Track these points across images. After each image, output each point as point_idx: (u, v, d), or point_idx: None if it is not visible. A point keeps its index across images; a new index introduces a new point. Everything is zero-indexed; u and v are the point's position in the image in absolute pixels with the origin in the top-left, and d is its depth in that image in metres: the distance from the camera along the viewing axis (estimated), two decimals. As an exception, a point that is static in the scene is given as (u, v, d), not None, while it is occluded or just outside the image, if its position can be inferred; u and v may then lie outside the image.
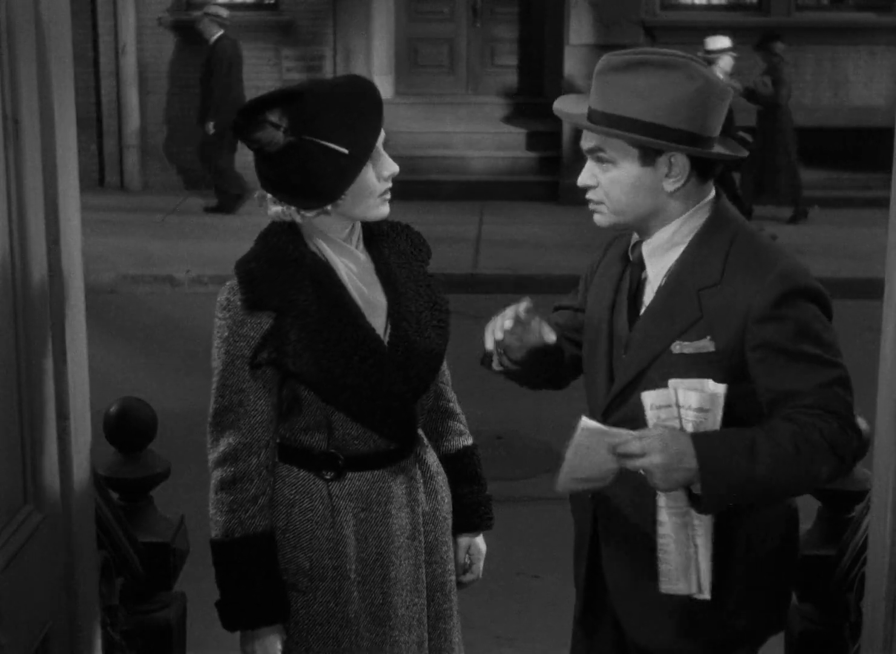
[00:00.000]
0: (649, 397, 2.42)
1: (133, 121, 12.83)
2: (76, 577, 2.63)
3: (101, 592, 2.92)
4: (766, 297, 2.45)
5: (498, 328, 2.53)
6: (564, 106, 2.62)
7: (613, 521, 2.62)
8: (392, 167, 2.61)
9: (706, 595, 2.46)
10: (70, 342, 2.57)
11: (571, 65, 12.51)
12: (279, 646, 2.65)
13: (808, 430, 2.37)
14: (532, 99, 12.83)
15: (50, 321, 2.50)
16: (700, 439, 2.35)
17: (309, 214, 2.59)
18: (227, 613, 2.67)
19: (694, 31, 12.74)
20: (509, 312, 2.52)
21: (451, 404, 2.89)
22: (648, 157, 2.48)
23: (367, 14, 12.77)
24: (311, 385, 2.58)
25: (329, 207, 2.58)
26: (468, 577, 2.94)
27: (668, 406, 2.41)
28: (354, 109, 2.54)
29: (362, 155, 2.54)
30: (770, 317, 2.44)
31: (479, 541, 2.94)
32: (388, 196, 2.63)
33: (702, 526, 2.45)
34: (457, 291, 9.74)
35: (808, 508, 3.48)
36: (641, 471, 2.36)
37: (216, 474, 2.63)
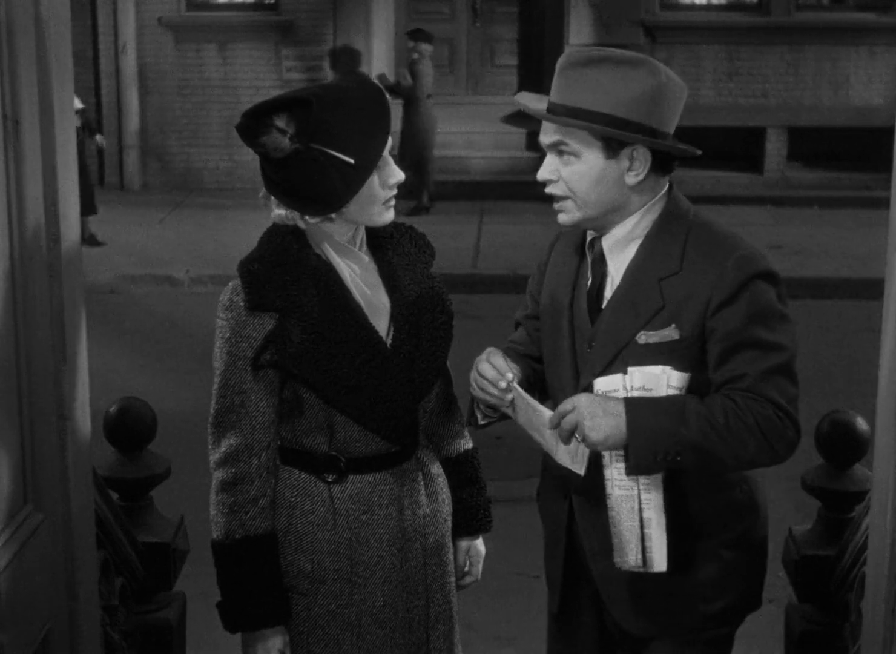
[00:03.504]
0: (599, 383, 2.51)
1: (133, 121, 12.83)
2: (76, 577, 2.63)
3: (101, 592, 2.92)
4: (726, 282, 2.49)
5: (485, 383, 2.57)
6: (526, 100, 2.64)
7: (593, 512, 2.63)
8: (398, 175, 2.59)
9: (659, 568, 2.51)
10: (70, 342, 2.57)
11: (571, 65, 12.51)
12: (281, 648, 2.65)
13: (743, 409, 2.44)
14: (532, 99, 12.82)
15: (50, 321, 2.50)
16: (631, 398, 2.45)
17: (313, 221, 2.58)
18: (228, 614, 2.67)
19: (694, 31, 12.77)
20: (489, 380, 2.56)
21: (453, 407, 2.89)
22: (612, 149, 2.51)
23: (367, 14, 12.77)
24: (313, 387, 2.58)
25: (333, 215, 2.58)
26: (467, 579, 2.94)
27: (616, 391, 2.49)
28: (362, 118, 2.52)
29: (369, 165, 2.52)
30: (729, 302, 2.49)
31: (479, 544, 2.94)
32: (393, 202, 2.62)
33: (652, 500, 2.50)
34: (457, 291, 9.74)
35: (808, 508, 3.48)
36: (576, 436, 2.44)
37: (217, 476, 2.63)
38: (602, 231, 2.60)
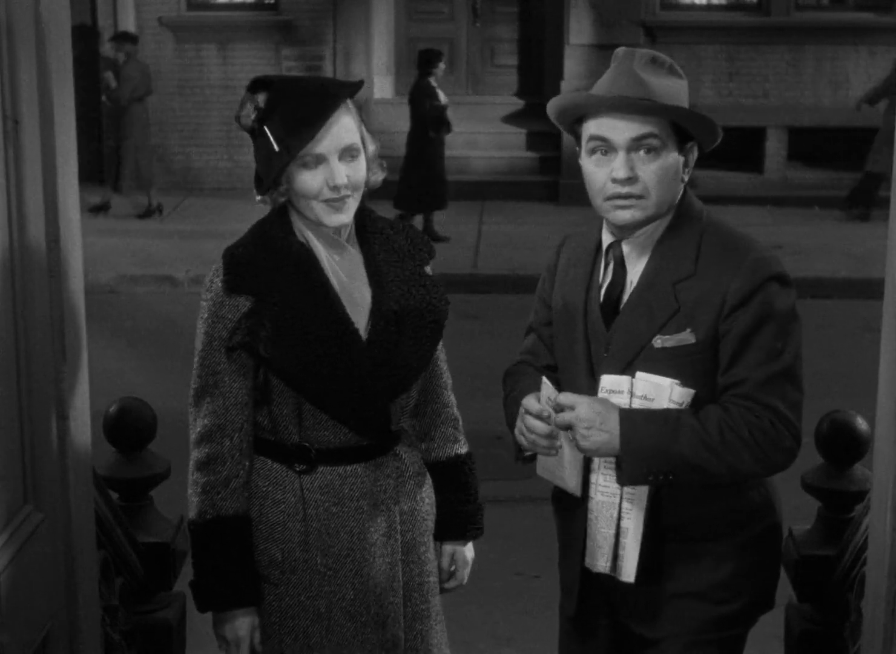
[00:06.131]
0: (606, 380, 2.54)
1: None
2: (76, 577, 2.63)
3: (101, 592, 2.92)
4: (740, 285, 2.50)
5: (536, 436, 2.58)
6: (591, 95, 2.61)
7: None
8: (338, 179, 2.59)
9: (627, 578, 2.56)
10: (70, 342, 2.57)
11: (571, 65, 12.50)
12: (250, 629, 2.69)
13: (737, 422, 2.46)
14: (532, 99, 12.83)
15: (50, 321, 2.50)
16: (627, 412, 2.47)
17: (257, 198, 2.67)
18: (199, 593, 2.73)
19: (694, 31, 12.76)
20: (539, 425, 2.57)
21: (448, 409, 2.89)
22: (681, 145, 2.55)
23: (367, 14, 12.76)
24: (280, 372, 2.61)
25: (268, 197, 2.64)
26: (451, 583, 2.94)
27: (621, 392, 2.51)
28: (300, 110, 2.57)
29: (288, 155, 2.56)
30: (742, 304, 2.50)
31: (465, 549, 2.94)
32: (337, 205, 2.61)
33: (632, 510, 2.53)
34: (457, 291, 9.75)
35: (808, 508, 3.48)
36: (569, 433, 2.48)
37: (193, 455, 2.71)
38: (629, 234, 2.59)
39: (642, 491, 2.52)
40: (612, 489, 2.53)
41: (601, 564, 2.57)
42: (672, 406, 2.48)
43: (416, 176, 10.83)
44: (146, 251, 10.59)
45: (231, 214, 11.47)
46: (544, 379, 2.57)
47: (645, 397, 2.49)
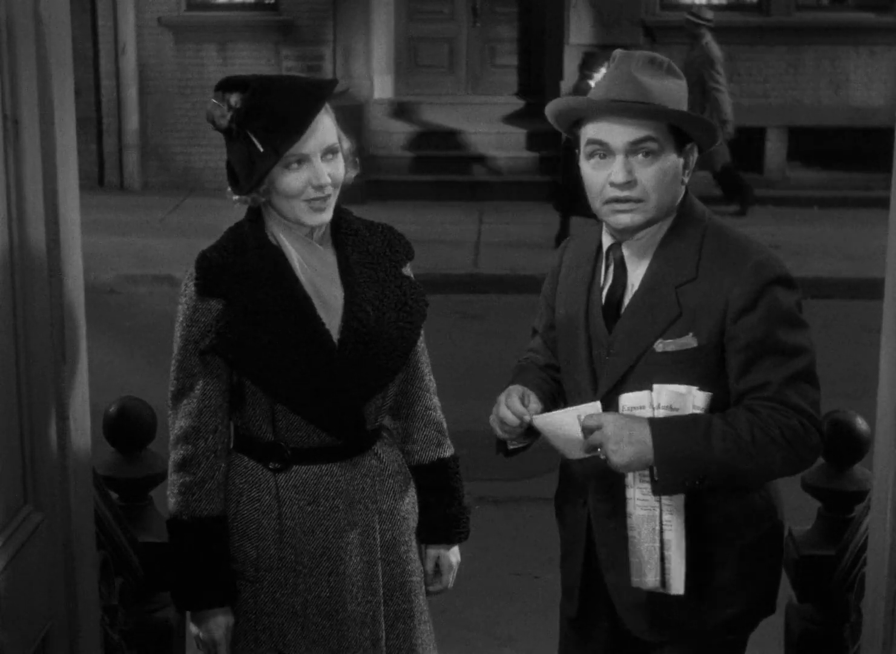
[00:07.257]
0: (626, 399, 2.51)
1: (133, 121, 12.82)
2: (76, 577, 2.63)
3: (101, 592, 2.92)
4: (743, 289, 2.49)
5: (508, 428, 2.59)
6: (588, 99, 2.60)
7: (608, 522, 2.63)
8: (322, 179, 2.59)
9: (676, 591, 2.52)
10: (70, 342, 2.57)
11: (571, 65, 12.50)
12: (225, 630, 2.70)
13: (767, 422, 2.44)
14: (532, 99, 12.82)
15: (50, 321, 2.50)
16: (657, 421, 2.45)
17: (234, 198, 2.66)
18: (176, 592, 2.75)
19: (694, 32, 12.74)
20: (509, 414, 2.58)
21: (431, 412, 2.88)
22: (680, 147, 2.53)
23: (366, 14, 12.76)
24: (251, 375, 2.63)
25: (247, 198, 2.63)
26: (435, 587, 2.94)
27: (642, 408, 2.48)
28: (284, 111, 2.57)
29: (273, 155, 2.56)
30: (748, 309, 2.49)
31: (450, 553, 2.93)
32: (319, 205, 2.61)
33: (673, 521, 2.50)
34: (457, 291, 9.78)
35: (808, 508, 3.48)
36: (599, 450, 2.45)
37: (172, 456, 2.71)
38: (629, 236, 2.58)
39: (679, 500, 2.49)
40: (650, 502, 2.50)
41: (650, 579, 2.51)
42: (697, 412, 2.47)
43: (571, 179, 10.80)
44: (146, 251, 10.59)
45: (231, 214, 11.45)
46: (598, 403, 2.52)
47: (670, 407, 2.46)
